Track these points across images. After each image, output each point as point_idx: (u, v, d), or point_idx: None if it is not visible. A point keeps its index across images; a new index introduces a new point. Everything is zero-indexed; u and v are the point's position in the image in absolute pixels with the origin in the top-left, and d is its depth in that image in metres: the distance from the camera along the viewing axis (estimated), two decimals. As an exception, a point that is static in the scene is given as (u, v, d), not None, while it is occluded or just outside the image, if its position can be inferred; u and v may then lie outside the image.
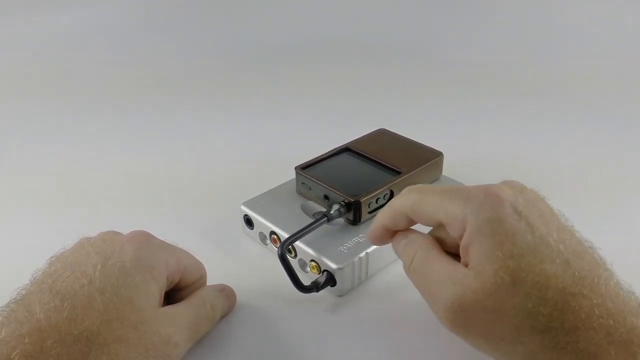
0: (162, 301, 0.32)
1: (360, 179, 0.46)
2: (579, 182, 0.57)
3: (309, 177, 0.46)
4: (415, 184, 0.47)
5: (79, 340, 0.26)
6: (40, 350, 0.25)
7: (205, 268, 0.37)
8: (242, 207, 0.46)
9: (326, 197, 0.45)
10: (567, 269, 0.26)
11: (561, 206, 0.31)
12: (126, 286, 0.29)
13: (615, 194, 0.55)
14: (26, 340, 0.25)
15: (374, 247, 0.41)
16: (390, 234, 0.35)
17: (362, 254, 0.41)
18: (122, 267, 0.30)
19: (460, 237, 0.29)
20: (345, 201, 0.43)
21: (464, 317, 0.27)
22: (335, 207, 0.43)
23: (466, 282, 0.27)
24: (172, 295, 0.35)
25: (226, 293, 0.39)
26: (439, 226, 0.31)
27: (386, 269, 0.44)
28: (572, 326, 0.25)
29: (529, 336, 0.26)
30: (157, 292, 0.31)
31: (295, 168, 0.48)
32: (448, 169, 0.52)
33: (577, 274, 0.26)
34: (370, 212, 0.44)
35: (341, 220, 0.44)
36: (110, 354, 0.27)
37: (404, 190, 0.33)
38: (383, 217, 0.34)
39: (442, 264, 0.29)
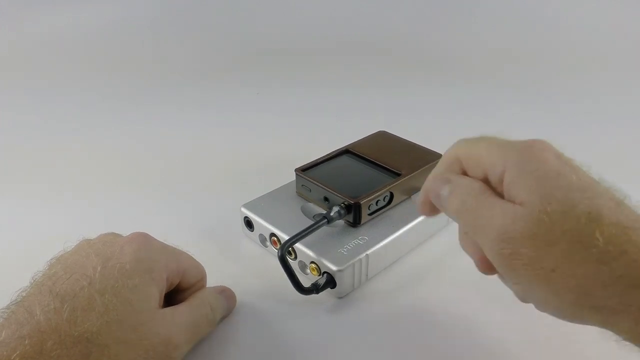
0: (162, 303, 0.32)
1: (360, 181, 0.47)
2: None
3: (309, 179, 0.46)
4: (415, 186, 0.48)
5: (79, 341, 0.26)
6: (40, 352, 0.25)
7: (206, 270, 0.37)
8: (242, 209, 0.47)
9: (326, 199, 0.45)
10: (619, 206, 0.25)
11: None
12: (126, 288, 0.29)
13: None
14: (26, 342, 0.25)
15: (374, 249, 0.41)
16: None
17: (362, 256, 0.41)
18: (122, 269, 0.30)
19: (503, 182, 0.28)
20: (345, 203, 0.43)
21: (513, 246, 0.25)
22: (335, 209, 0.43)
23: (516, 211, 0.26)
24: (172, 297, 0.35)
25: (226, 295, 0.39)
26: (483, 177, 0.30)
27: (386, 270, 0.44)
28: (632, 260, 0.23)
29: (583, 266, 0.24)
30: (157, 293, 0.31)
31: (295, 170, 0.48)
32: (448, 171, 0.52)
33: (631, 213, 0.25)
34: (370, 214, 0.44)
35: (341, 222, 0.44)
36: (110, 355, 0.27)
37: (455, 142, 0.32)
38: (437, 168, 0.33)
39: (492, 201, 0.28)
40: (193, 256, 0.37)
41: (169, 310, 0.32)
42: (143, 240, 0.33)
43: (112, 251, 0.31)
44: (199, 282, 0.37)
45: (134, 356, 0.28)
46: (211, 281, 0.38)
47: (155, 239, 0.34)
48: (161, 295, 0.32)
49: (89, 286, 0.29)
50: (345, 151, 0.52)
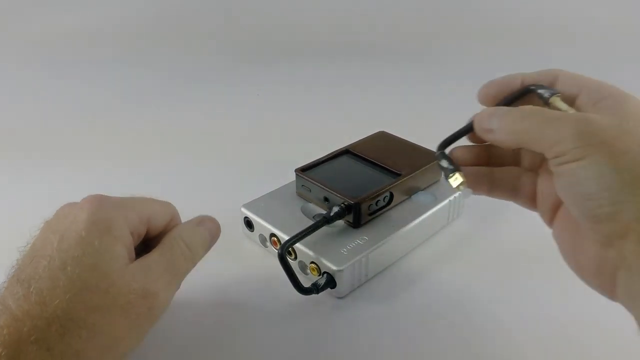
0: (133, 257, 0.31)
1: (360, 181, 0.47)
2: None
3: (309, 179, 0.46)
4: (415, 186, 0.48)
5: (52, 321, 0.27)
6: (19, 339, 0.26)
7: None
8: (242, 209, 0.47)
9: (326, 199, 0.45)
10: None
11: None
12: (87, 255, 0.29)
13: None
14: (4, 332, 0.26)
15: (374, 249, 0.41)
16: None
17: (362, 256, 0.41)
18: (78, 237, 0.30)
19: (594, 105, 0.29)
20: (345, 203, 0.43)
21: (592, 131, 0.26)
22: (335, 209, 0.43)
23: (587, 115, 0.27)
24: (148, 246, 0.34)
25: (206, 226, 0.37)
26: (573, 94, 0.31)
27: (386, 271, 0.44)
28: None
29: None
30: (122, 250, 0.30)
31: (296, 170, 0.48)
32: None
33: None
34: (370, 215, 0.44)
35: (341, 222, 0.44)
36: (88, 326, 0.27)
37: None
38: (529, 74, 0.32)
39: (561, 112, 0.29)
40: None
41: (138, 262, 0.31)
42: (96, 201, 0.32)
43: (67, 223, 0.31)
44: (170, 223, 0.35)
45: (113, 319, 0.28)
46: (211, 281, 0.38)
47: (110, 197, 0.33)
48: (129, 250, 0.31)
49: (49, 264, 0.28)
50: (345, 151, 0.52)
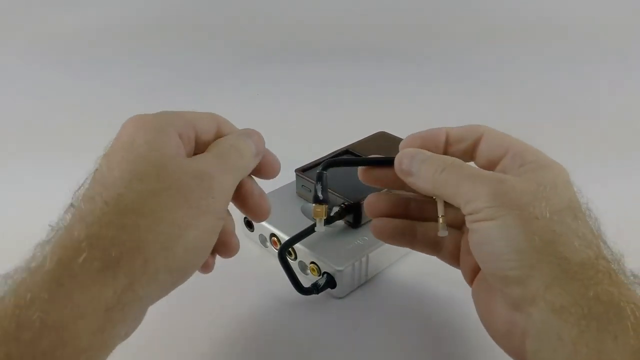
0: (183, 154, 0.29)
1: (360, 182, 0.46)
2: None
3: (309, 179, 0.46)
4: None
5: (105, 220, 0.25)
6: (99, 235, 0.24)
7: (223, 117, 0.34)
8: (243, 209, 0.47)
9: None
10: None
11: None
12: (132, 151, 0.27)
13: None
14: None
15: (374, 249, 0.41)
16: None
17: (362, 256, 0.41)
18: (122, 143, 0.28)
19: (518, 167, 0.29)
20: (345, 203, 0.43)
21: (507, 193, 0.26)
22: (335, 209, 0.43)
23: (506, 176, 0.28)
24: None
25: (253, 139, 0.34)
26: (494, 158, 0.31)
27: (386, 271, 0.44)
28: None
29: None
30: (169, 141, 0.28)
31: (296, 170, 0.48)
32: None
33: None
34: (370, 215, 0.44)
35: (341, 222, 0.44)
36: (145, 213, 0.25)
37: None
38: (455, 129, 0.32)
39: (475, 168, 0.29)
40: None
41: (188, 157, 0.29)
42: (134, 118, 0.29)
43: (112, 143, 0.28)
44: (220, 131, 0.33)
45: (172, 203, 0.26)
46: (211, 281, 0.38)
47: (147, 115, 0.30)
48: (178, 146, 0.29)
49: (96, 174, 0.27)
50: (345, 151, 0.52)
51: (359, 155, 0.51)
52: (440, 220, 0.31)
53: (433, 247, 0.35)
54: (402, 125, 0.60)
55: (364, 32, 1.12)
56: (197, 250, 0.28)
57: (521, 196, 0.26)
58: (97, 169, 0.28)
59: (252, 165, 0.33)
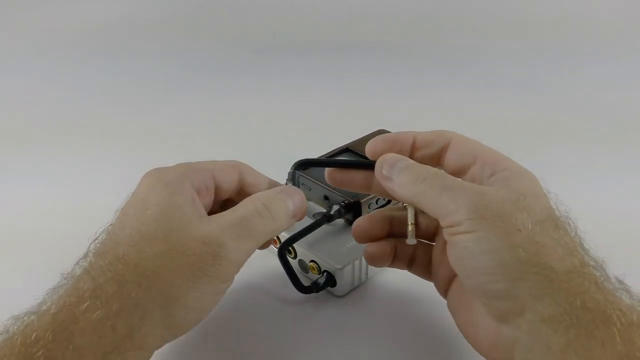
0: (199, 212, 0.30)
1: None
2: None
3: (309, 177, 0.46)
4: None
5: (109, 275, 0.27)
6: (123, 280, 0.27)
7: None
8: (242, 208, 0.46)
9: (326, 197, 0.45)
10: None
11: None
12: (143, 210, 0.29)
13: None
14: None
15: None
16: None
17: (362, 255, 0.41)
18: (136, 201, 0.30)
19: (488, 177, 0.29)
20: (346, 202, 0.43)
21: (487, 205, 0.26)
22: (335, 207, 0.43)
23: (486, 188, 0.27)
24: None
25: (288, 193, 0.33)
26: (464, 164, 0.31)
27: (386, 270, 0.44)
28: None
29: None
30: (181, 201, 0.29)
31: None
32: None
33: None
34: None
35: (341, 221, 0.44)
36: (147, 274, 0.27)
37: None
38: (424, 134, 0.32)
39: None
40: None
41: (207, 216, 0.30)
42: (151, 172, 0.31)
43: (129, 198, 0.31)
44: (244, 180, 0.33)
45: (174, 266, 0.27)
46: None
47: (164, 171, 0.32)
48: (193, 203, 0.30)
49: (110, 229, 0.30)
50: (345, 150, 0.52)
51: (358, 153, 0.50)
52: (410, 228, 0.31)
53: (407, 262, 0.35)
54: (402, 123, 0.60)
55: (365, 29, 1.11)
56: (197, 310, 0.30)
57: (503, 207, 0.26)
58: (111, 224, 0.30)
59: (286, 227, 0.33)
